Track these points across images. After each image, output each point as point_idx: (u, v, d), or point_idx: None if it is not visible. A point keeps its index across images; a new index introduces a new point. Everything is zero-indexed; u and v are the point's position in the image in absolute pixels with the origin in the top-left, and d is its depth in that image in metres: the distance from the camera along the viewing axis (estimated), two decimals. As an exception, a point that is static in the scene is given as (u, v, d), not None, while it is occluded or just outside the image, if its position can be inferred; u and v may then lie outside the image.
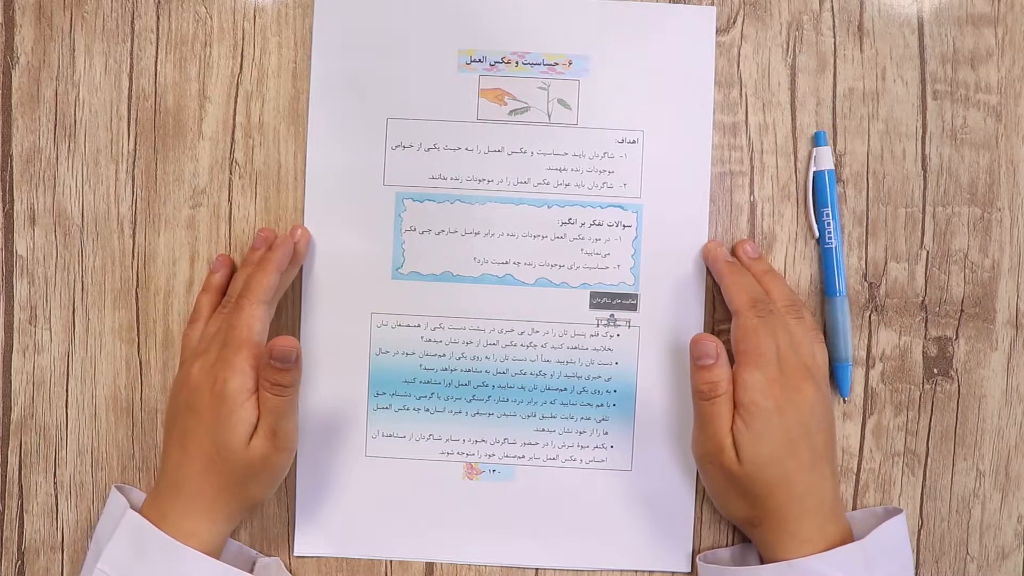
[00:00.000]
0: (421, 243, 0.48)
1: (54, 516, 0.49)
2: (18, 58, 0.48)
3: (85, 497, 0.48)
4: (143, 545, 0.40)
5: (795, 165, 0.48)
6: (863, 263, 0.48)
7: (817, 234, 0.47)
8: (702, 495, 0.48)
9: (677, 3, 0.48)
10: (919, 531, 0.48)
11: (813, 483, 0.41)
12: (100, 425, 0.48)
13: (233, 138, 0.48)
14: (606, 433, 0.48)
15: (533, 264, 0.48)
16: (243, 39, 0.48)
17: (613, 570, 0.48)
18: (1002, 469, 0.48)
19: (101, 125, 0.48)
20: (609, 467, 0.48)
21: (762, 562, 0.43)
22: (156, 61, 0.48)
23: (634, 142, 0.48)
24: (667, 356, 0.48)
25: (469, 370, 0.48)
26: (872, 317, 0.48)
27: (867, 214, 0.48)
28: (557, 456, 0.48)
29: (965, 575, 0.48)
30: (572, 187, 0.48)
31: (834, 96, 0.48)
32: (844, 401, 0.48)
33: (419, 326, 0.48)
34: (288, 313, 0.48)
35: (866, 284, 0.48)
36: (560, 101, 0.48)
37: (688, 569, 0.48)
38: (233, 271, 0.47)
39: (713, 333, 0.48)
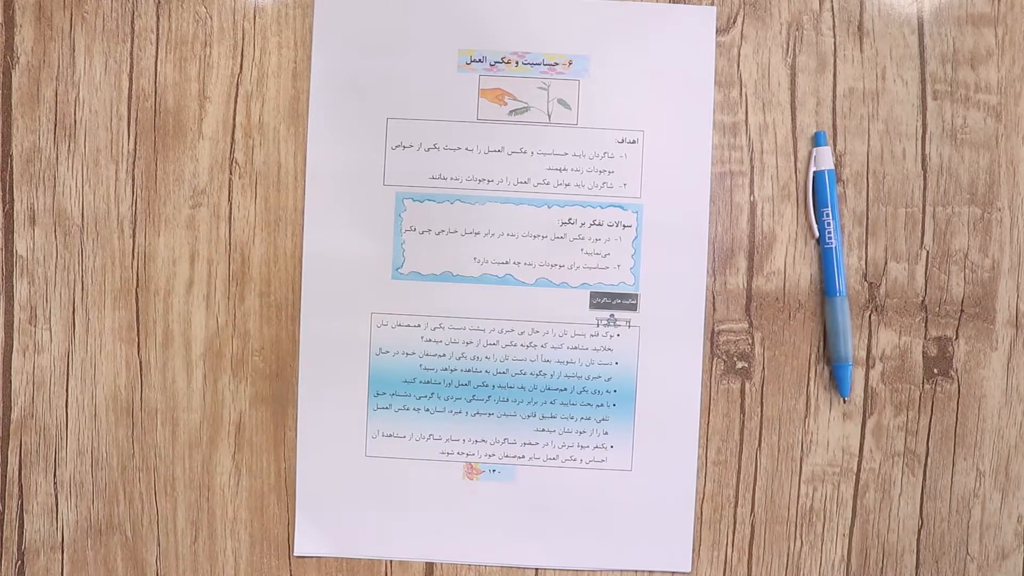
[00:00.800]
0: (421, 243, 0.48)
1: (54, 516, 0.49)
2: (18, 58, 0.48)
3: (85, 497, 0.48)
4: None
5: (795, 165, 0.48)
6: (863, 263, 0.48)
7: (817, 234, 0.47)
8: (702, 495, 0.48)
9: (677, 3, 0.48)
10: (919, 531, 0.48)
11: None
12: (100, 425, 0.48)
13: (233, 138, 0.48)
14: (606, 433, 0.48)
15: (533, 264, 0.48)
16: (243, 39, 0.48)
17: (613, 570, 0.48)
18: (1002, 469, 0.48)
19: (101, 125, 0.48)
20: (609, 467, 0.48)
21: None
22: (156, 61, 0.48)
23: (634, 142, 0.48)
24: (667, 356, 0.48)
25: (469, 370, 0.48)
26: (872, 317, 0.48)
27: (867, 214, 0.48)
28: (557, 456, 0.48)
29: (965, 575, 0.48)
30: (572, 187, 0.48)
31: (834, 96, 0.48)
32: (844, 401, 0.48)
33: (419, 326, 0.48)
34: (288, 313, 0.48)
35: (866, 284, 0.48)
36: (560, 101, 0.48)
37: (688, 569, 0.48)
38: None
39: (713, 333, 0.48)
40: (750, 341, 0.48)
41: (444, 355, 0.48)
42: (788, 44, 0.48)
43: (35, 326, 0.48)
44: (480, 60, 0.48)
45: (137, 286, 0.48)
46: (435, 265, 0.48)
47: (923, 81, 0.48)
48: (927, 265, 0.48)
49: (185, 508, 0.48)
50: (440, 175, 0.48)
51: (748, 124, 0.48)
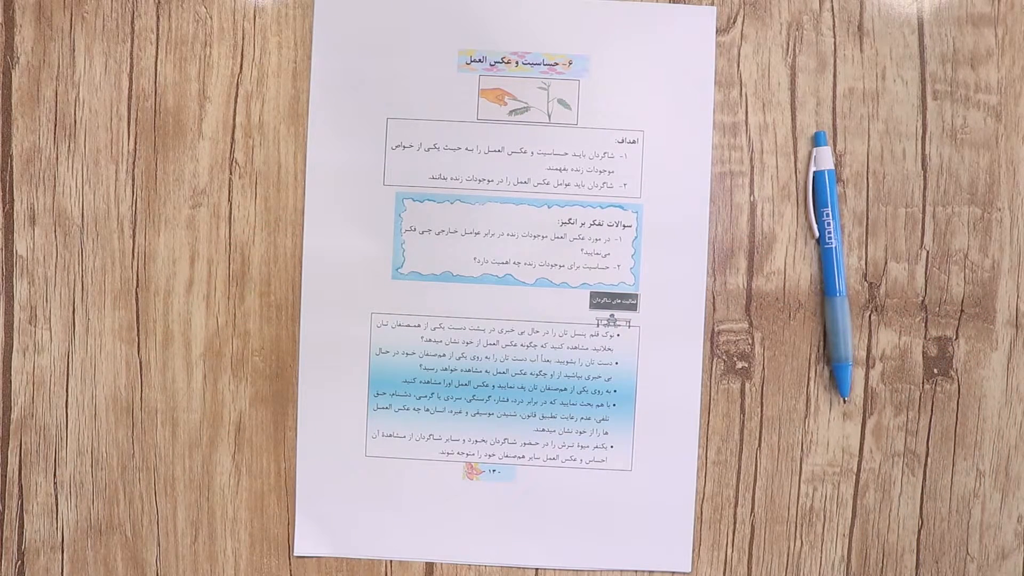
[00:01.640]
0: (421, 243, 0.48)
1: (54, 516, 0.49)
2: (18, 58, 0.48)
3: (85, 497, 0.48)
4: None
5: (795, 165, 0.48)
6: (863, 263, 0.48)
7: (817, 234, 0.47)
8: (702, 495, 0.48)
9: (677, 3, 0.48)
10: (919, 531, 0.48)
11: None
12: (100, 425, 0.48)
13: (233, 138, 0.48)
14: (606, 433, 0.48)
15: (533, 264, 0.48)
16: (243, 39, 0.48)
17: (613, 570, 0.48)
18: (1002, 469, 0.48)
19: (101, 125, 0.48)
20: (609, 467, 0.48)
21: None
22: (156, 61, 0.48)
23: (634, 142, 0.48)
24: (667, 356, 0.48)
25: (469, 370, 0.48)
26: (872, 317, 0.48)
27: (867, 214, 0.48)
28: (557, 456, 0.48)
29: (965, 575, 0.48)
30: (572, 187, 0.48)
31: (834, 96, 0.48)
32: (844, 401, 0.48)
33: (419, 326, 0.48)
34: (288, 313, 0.48)
35: (866, 284, 0.48)
36: (560, 101, 0.48)
37: (688, 569, 0.48)
38: None
39: (713, 333, 0.48)
40: (750, 341, 0.48)
41: (444, 355, 0.48)
42: (788, 44, 0.48)
43: (35, 326, 0.48)
44: (480, 60, 0.48)
45: (137, 286, 0.48)
46: (435, 265, 0.48)
47: (923, 81, 0.48)
48: (927, 265, 0.48)
49: (185, 508, 0.48)
50: (440, 175, 0.48)
51: (748, 124, 0.48)
